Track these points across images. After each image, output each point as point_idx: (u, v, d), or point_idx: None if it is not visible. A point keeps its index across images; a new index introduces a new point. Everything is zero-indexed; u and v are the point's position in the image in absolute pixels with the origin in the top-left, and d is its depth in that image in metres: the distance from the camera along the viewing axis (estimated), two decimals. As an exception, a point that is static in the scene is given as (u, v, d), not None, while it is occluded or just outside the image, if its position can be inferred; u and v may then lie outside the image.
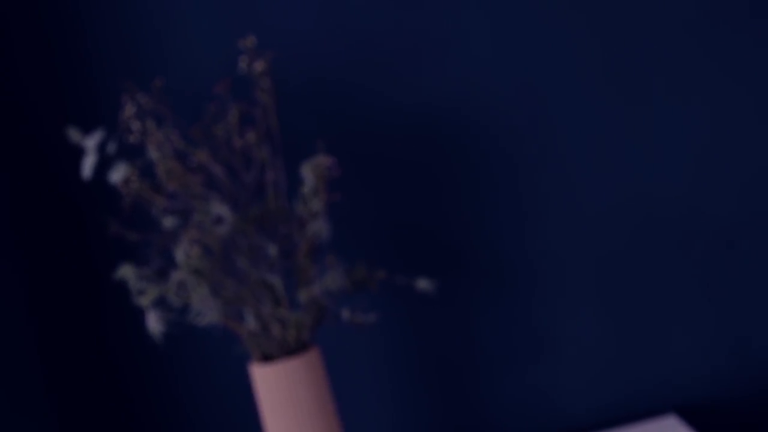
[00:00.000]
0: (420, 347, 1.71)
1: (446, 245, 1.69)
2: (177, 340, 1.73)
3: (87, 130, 1.73)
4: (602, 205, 1.67)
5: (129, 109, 1.52)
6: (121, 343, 1.75)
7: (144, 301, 1.40)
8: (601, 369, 1.69)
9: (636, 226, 1.68)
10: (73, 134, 1.51)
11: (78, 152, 1.74)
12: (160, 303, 1.57)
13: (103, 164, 1.74)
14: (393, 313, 1.71)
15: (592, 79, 1.65)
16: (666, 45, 1.65)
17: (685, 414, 1.67)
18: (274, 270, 1.45)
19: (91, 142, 1.49)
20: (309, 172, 1.52)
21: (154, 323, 1.38)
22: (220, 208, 1.46)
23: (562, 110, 1.66)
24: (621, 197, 1.67)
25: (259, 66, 1.49)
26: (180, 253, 1.45)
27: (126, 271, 1.48)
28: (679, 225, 1.67)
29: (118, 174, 1.49)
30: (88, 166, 1.48)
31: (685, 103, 1.66)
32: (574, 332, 1.68)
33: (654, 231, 1.68)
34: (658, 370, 1.69)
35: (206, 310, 1.39)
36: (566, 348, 1.69)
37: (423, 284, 1.55)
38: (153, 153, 1.52)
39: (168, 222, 1.55)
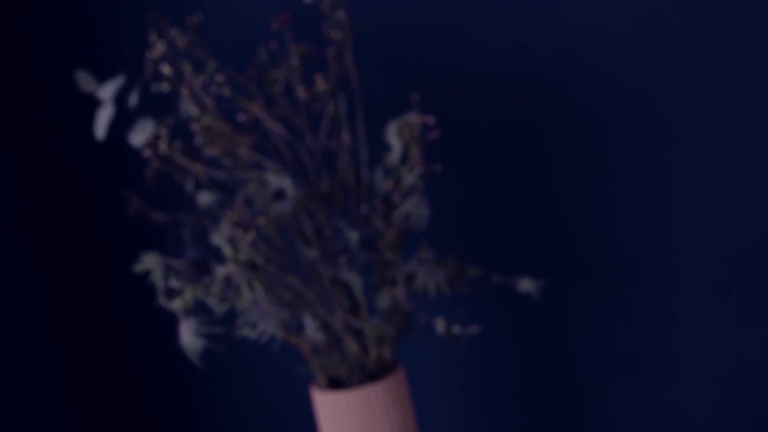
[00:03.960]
0: (518, 362, 1.66)
1: (554, 237, 1.65)
2: (219, 360, 1.68)
3: (102, 76, 1.69)
4: (745, 192, 1.64)
5: (158, 49, 1.46)
6: (148, 357, 1.76)
7: (176, 305, 1.31)
8: (740, 395, 1.67)
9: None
10: (85, 81, 1.46)
11: (90, 104, 1.69)
12: (197, 308, 1.54)
13: (123, 121, 1.68)
14: (487, 321, 1.66)
15: (733, 30, 1.60)
16: None
17: None
18: (354, 264, 1.36)
19: (107, 92, 1.46)
20: (396, 135, 1.43)
21: (189, 337, 1.29)
22: (279, 180, 1.37)
23: (696, 70, 1.62)
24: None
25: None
26: (220, 240, 1.38)
27: (150, 262, 1.38)
28: None
29: (141, 134, 1.46)
30: (102, 122, 1.46)
31: None
32: (707, 349, 1.66)
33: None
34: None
35: (260, 319, 1.30)
36: (695, 368, 1.66)
37: (526, 285, 1.51)
38: (188, 106, 1.47)
39: (205, 198, 1.48)
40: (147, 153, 1.47)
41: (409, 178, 1.40)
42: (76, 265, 1.73)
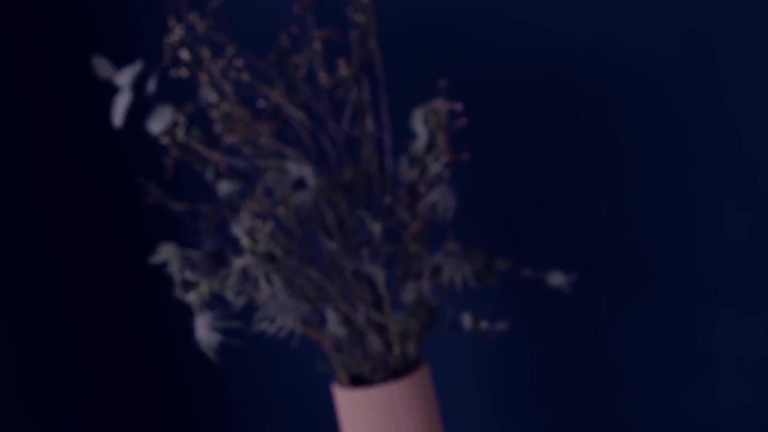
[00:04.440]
0: (547, 360, 1.65)
1: (586, 229, 1.64)
2: (236, 355, 1.68)
3: (120, 61, 1.69)
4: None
5: (176, 34, 1.45)
6: (164, 351, 1.77)
7: (192, 298, 1.29)
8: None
9: None
10: (102, 67, 1.47)
11: (108, 91, 1.70)
12: (214, 301, 1.53)
13: (141, 108, 1.68)
14: (516, 316, 1.65)
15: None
16: None
17: None
18: (376, 257, 1.35)
19: (124, 78, 1.45)
20: (422, 122, 1.42)
21: (205, 332, 1.27)
22: (299, 169, 1.36)
23: (740, 57, 1.61)
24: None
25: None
26: (240, 231, 1.37)
27: (167, 252, 1.37)
28: None
29: (159, 121, 1.46)
30: (120, 109, 1.45)
31: None
32: (744, 348, 1.66)
33: None
34: None
35: (278, 313, 1.28)
36: (733, 367, 1.66)
37: (557, 279, 1.51)
38: (207, 93, 1.45)
39: (225, 188, 1.48)
40: (164, 141, 1.46)
41: (435, 167, 1.38)
42: (92, 255, 1.74)
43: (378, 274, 1.33)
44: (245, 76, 1.42)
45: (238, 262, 1.26)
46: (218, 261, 1.32)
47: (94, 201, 1.75)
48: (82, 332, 1.74)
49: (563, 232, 1.64)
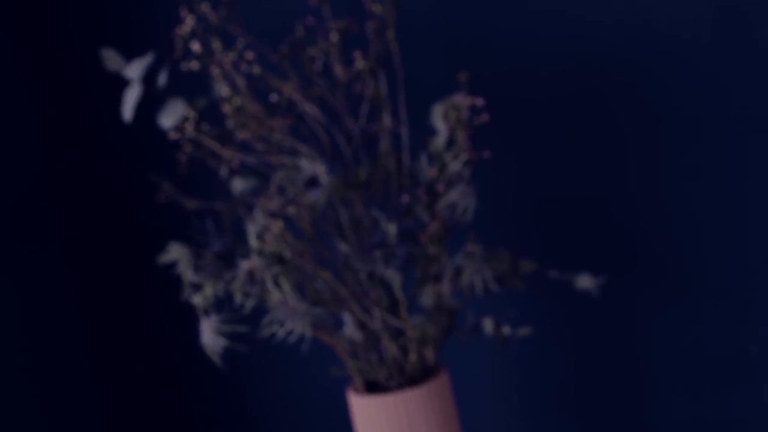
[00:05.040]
0: (574, 367, 1.64)
1: (616, 229, 1.64)
2: (245, 360, 1.70)
3: (130, 54, 1.69)
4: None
5: (187, 25, 1.44)
6: (179, 354, 1.76)
7: (197, 300, 1.27)
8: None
9: None
10: (111, 59, 1.47)
11: (117, 84, 1.69)
12: (222, 304, 1.51)
13: (152, 102, 1.67)
14: (541, 320, 1.64)
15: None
16: None
17: None
18: (391, 259, 1.33)
19: (135, 71, 1.45)
20: (442, 118, 1.40)
21: (210, 336, 1.25)
22: (312, 166, 1.35)
23: None
24: None
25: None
26: (253, 231, 1.35)
27: (177, 252, 1.35)
28: None
29: (171, 116, 1.46)
30: (130, 103, 1.45)
31: None
32: None
33: None
34: None
35: (289, 317, 1.26)
36: None
37: (585, 282, 1.49)
38: (219, 86, 1.44)
39: (239, 185, 1.47)
40: (174, 136, 1.45)
41: (455, 165, 1.36)
42: (106, 253, 1.74)
43: (393, 277, 1.31)
44: (256, 69, 1.40)
45: (245, 264, 1.24)
46: (225, 262, 1.30)
47: (107, 198, 1.75)
48: (100, 331, 1.74)
49: (592, 231, 1.62)
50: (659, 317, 1.62)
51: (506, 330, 1.49)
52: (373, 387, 1.44)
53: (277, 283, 1.22)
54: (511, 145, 1.63)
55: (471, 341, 1.65)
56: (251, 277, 1.22)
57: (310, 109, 1.43)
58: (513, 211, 1.66)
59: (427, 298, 1.41)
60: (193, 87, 1.66)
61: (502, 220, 1.65)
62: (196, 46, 1.44)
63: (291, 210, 1.31)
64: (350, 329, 1.41)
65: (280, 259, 1.24)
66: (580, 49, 1.61)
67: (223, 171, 1.52)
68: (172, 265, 1.64)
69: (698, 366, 1.64)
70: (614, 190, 1.61)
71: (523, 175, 1.64)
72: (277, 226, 1.25)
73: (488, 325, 1.46)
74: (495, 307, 1.64)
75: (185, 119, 1.45)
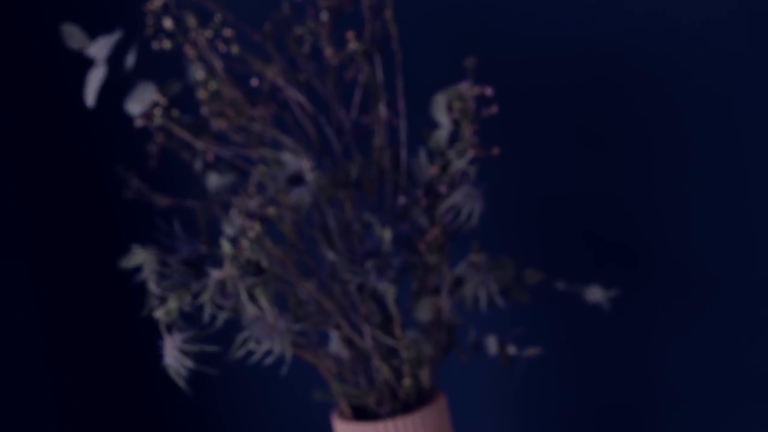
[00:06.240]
0: (583, 385, 1.64)
1: (631, 236, 1.62)
2: (218, 383, 1.67)
3: (94, 31, 1.60)
4: None
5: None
6: (153, 363, 1.71)
7: (160, 314, 1.19)
8: None
9: None
10: (73, 36, 1.44)
11: (80, 65, 1.62)
12: (191, 318, 1.37)
13: (118, 85, 1.58)
14: (546, 337, 1.61)
15: None
16: None
17: None
18: (386, 270, 1.26)
19: (100, 50, 1.41)
20: (445, 109, 1.35)
21: (173, 356, 1.17)
22: (296, 161, 1.29)
23: None
24: None
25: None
26: (228, 234, 1.29)
27: (141, 257, 1.28)
28: None
29: (139, 101, 1.42)
30: (93, 86, 1.42)
31: None
32: None
33: None
34: None
35: (265, 336, 1.18)
36: None
37: (595, 294, 1.47)
38: (194, 68, 1.41)
39: (215, 181, 1.45)
40: (140, 123, 1.40)
41: (460, 163, 1.30)
42: (68, 255, 1.70)
43: (387, 291, 1.23)
44: (235, 49, 1.34)
45: (215, 273, 1.15)
46: (194, 270, 1.22)
47: (68, 192, 1.71)
48: (61, 344, 1.71)
49: (603, 239, 1.61)
50: (679, 334, 1.62)
51: (512, 350, 1.45)
52: (361, 413, 1.37)
53: (252, 296, 1.14)
54: (513, 140, 1.58)
55: (468, 362, 1.60)
56: (222, 288, 1.14)
57: (295, 96, 1.37)
58: (515, 215, 1.62)
59: (424, 312, 1.36)
60: (164, 69, 1.56)
61: (503, 224, 1.61)
62: (168, 23, 1.38)
63: (270, 211, 1.23)
64: (336, 347, 1.34)
65: (257, 268, 1.16)
66: (598, 36, 1.56)
67: (198, 165, 1.46)
68: (138, 270, 1.56)
69: (721, 388, 1.61)
70: (627, 194, 1.60)
71: (525, 173, 1.62)
72: (254, 229, 1.17)
73: (492, 343, 1.41)
74: (491, 322, 1.58)
75: (155, 105, 1.40)
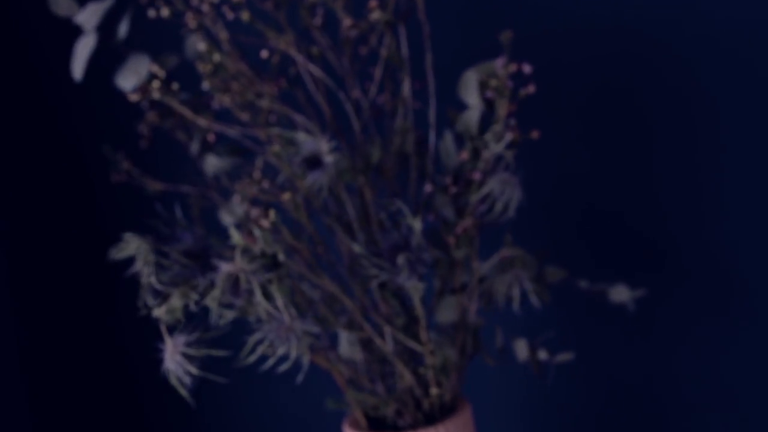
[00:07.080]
0: (608, 389, 1.61)
1: (659, 235, 1.58)
2: (222, 390, 1.56)
3: None
4: None
5: None
6: (144, 377, 1.70)
7: (160, 314, 1.10)
8: None
9: None
10: (60, 2, 1.40)
11: (68, 34, 1.56)
12: (191, 320, 1.28)
13: (109, 57, 1.52)
14: (570, 339, 1.52)
15: None
16: None
17: None
18: (416, 265, 1.17)
19: (89, 18, 1.38)
20: (476, 88, 1.26)
21: (174, 363, 1.08)
22: (312, 142, 1.20)
23: None
24: None
25: None
26: (231, 223, 1.26)
27: (134, 246, 1.21)
28: None
29: (132, 75, 1.38)
30: (81, 58, 1.37)
31: None
32: None
33: None
34: None
35: (281, 339, 1.10)
36: None
37: (620, 294, 1.44)
38: (194, 39, 1.36)
39: (213, 164, 1.38)
40: (134, 98, 1.33)
41: (497, 147, 1.21)
42: (51, 245, 1.66)
43: (415, 289, 1.15)
44: (244, 15, 1.26)
45: (225, 267, 1.06)
46: (198, 263, 1.12)
47: (54, 175, 1.66)
48: (39, 343, 1.66)
49: (630, 237, 1.57)
50: (703, 337, 1.56)
51: (543, 354, 1.37)
52: (377, 423, 1.29)
53: (267, 294, 1.05)
54: (540, 137, 1.49)
55: (490, 368, 1.51)
56: (235, 284, 1.05)
57: (309, 70, 1.30)
58: (534, 211, 1.50)
59: (447, 313, 1.28)
60: (160, 40, 1.49)
61: (522, 218, 1.49)
62: (167, -12, 1.32)
63: (285, 197, 1.15)
64: (346, 349, 1.27)
65: (273, 262, 1.07)
66: (637, 15, 1.48)
67: (194, 147, 1.39)
68: (130, 261, 1.50)
69: (749, 390, 1.57)
70: (655, 190, 1.55)
71: (543, 167, 1.53)
72: (268, 217, 1.08)
73: (521, 348, 1.33)
74: (508, 323, 1.49)
75: (152, 78, 1.33)
